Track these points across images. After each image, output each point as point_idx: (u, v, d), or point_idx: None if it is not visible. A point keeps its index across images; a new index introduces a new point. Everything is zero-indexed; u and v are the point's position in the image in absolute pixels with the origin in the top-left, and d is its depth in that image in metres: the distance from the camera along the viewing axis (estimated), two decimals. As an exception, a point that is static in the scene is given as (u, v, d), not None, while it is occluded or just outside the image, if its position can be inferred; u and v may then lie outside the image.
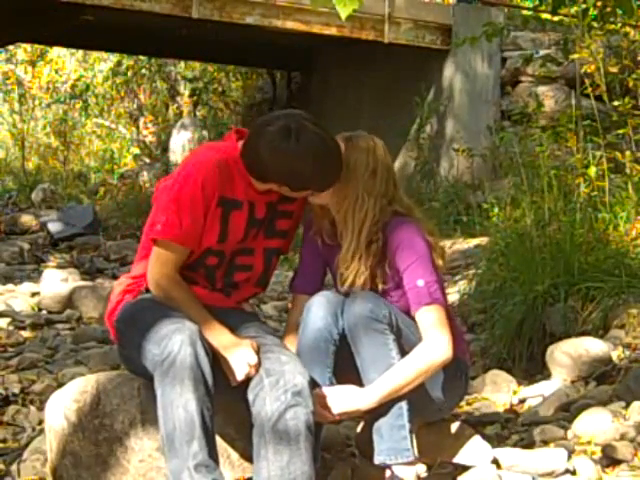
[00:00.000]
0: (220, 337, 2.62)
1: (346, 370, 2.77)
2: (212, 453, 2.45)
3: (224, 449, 2.77)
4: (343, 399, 2.69)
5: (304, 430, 2.48)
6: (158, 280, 2.73)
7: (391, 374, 2.68)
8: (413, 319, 2.82)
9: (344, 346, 2.76)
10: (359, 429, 3.07)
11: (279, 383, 2.52)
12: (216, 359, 2.57)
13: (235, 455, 2.82)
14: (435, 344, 2.72)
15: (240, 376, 2.57)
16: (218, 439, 2.61)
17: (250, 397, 2.56)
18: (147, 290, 2.78)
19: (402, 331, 2.78)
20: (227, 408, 2.67)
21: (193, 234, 2.72)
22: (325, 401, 2.68)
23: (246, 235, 2.80)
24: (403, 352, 2.74)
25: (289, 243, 2.99)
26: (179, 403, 2.43)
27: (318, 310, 2.76)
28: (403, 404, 2.71)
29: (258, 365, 2.58)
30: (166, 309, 2.64)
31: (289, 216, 2.87)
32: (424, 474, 2.84)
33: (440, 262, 2.83)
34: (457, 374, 2.90)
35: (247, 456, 2.74)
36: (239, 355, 2.58)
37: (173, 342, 2.46)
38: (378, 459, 2.73)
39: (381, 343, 2.71)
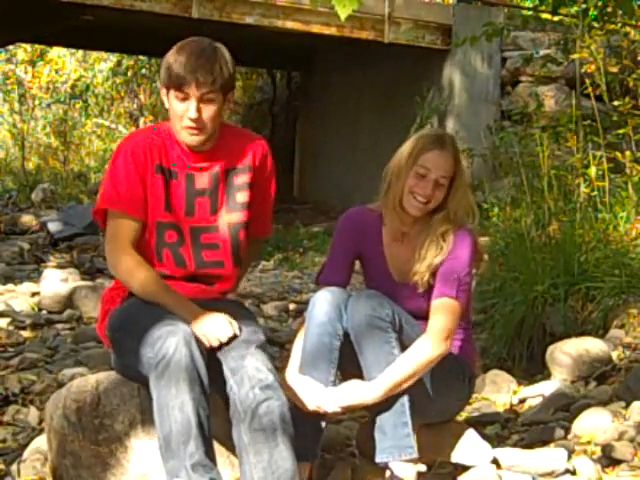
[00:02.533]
0: (191, 307, 2.64)
1: (350, 368, 2.77)
2: (209, 453, 2.44)
3: (224, 449, 2.77)
4: (348, 393, 2.71)
5: (279, 423, 2.47)
6: (115, 263, 2.71)
7: (394, 367, 2.70)
8: (417, 318, 2.84)
9: (348, 343, 2.78)
10: (363, 428, 3.07)
11: (244, 381, 2.51)
12: (211, 360, 2.57)
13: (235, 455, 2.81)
14: (435, 339, 2.74)
15: (226, 334, 2.57)
16: (218, 439, 2.61)
17: (225, 400, 2.56)
18: (131, 295, 2.76)
19: (404, 329, 2.80)
20: (228, 413, 2.66)
21: (133, 200, 2.70)
22: (330, 395, 2.70)
23: (191, 206, 2.75)
24: (405, 350, 2.76)
25: (266, 224, 2.96)
26: (175, 404, 2.42)
27: (323, 305, 2.78)
28: (405, 401, 2.73)
29: (238, 329, 2.59)
30: (157, 312, 2.62)
31: (247, 188, 2.81)
32: (424, 474, 2.84)
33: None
34: (460, 377, 2.92)
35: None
36: (217, 319, 2.59)
37: (168, 344, 2.46)
38: (380, 457, 2.73)
39: (384, 341, 2.72)
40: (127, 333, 2.64)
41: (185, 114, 2.66)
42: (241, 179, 2.80)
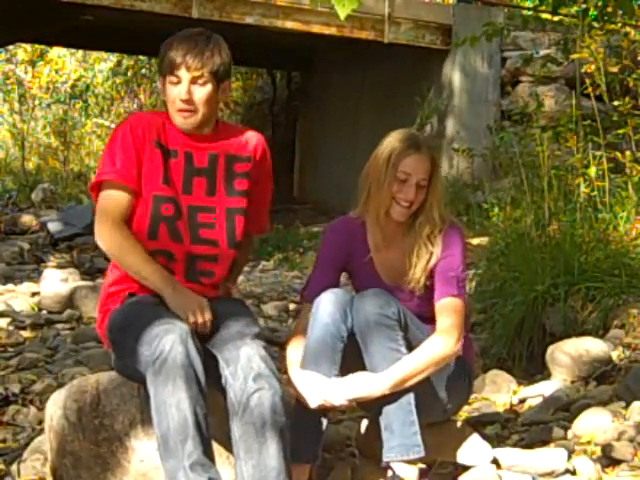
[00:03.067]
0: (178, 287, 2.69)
1: (353, 370, 2.76)
2: (207, 451, 2.44)
3: (223, 449, 2.77)
4: (356, 384, 2.70)
5: (269, 416, 2.47)
6: (103, 236, 2.79)
7: (404, 362, 2.70)
8: (421, 318, 2.85)
9: (352, 346, 2.77)
10: (363, 428, 3.08)
11: (237, 372, 2.52)
12: (208, 356, 2.57)
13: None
14: (448, 337, 2.76)
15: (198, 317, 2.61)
16: (217, 439, 2.61)
17: (224, 395, 2.57)
18: (130, 295, 2.76)
19: (410, 328, 2.81)
20: (226, 407, 2.67)
21: (129, 171, 2.73)
22: (336, 387, 2.69)
23: (189, 184, 2.77)
24: (410, 349, 2.76)
25: (262, 220, 2.98)
26: (172, 402, 2.42)
27: (327, 306, 2.78)
28: (412, 399, 2.73)
29: (212, 318, 2.63)
30: (155, 311, 2.63)
31: (246, 176, 2.84)
32: (424, 474, 2.84)
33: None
34: (461, 375, 2.92)
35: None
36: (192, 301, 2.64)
37: (164, 342, 2.46)
38: (388, 456, 2.72)
39: (390, 339, 2.72)
40: (127, 333, 2.64)
41: (177, 97, 2.71)
42: (241, 167, 2.83)
